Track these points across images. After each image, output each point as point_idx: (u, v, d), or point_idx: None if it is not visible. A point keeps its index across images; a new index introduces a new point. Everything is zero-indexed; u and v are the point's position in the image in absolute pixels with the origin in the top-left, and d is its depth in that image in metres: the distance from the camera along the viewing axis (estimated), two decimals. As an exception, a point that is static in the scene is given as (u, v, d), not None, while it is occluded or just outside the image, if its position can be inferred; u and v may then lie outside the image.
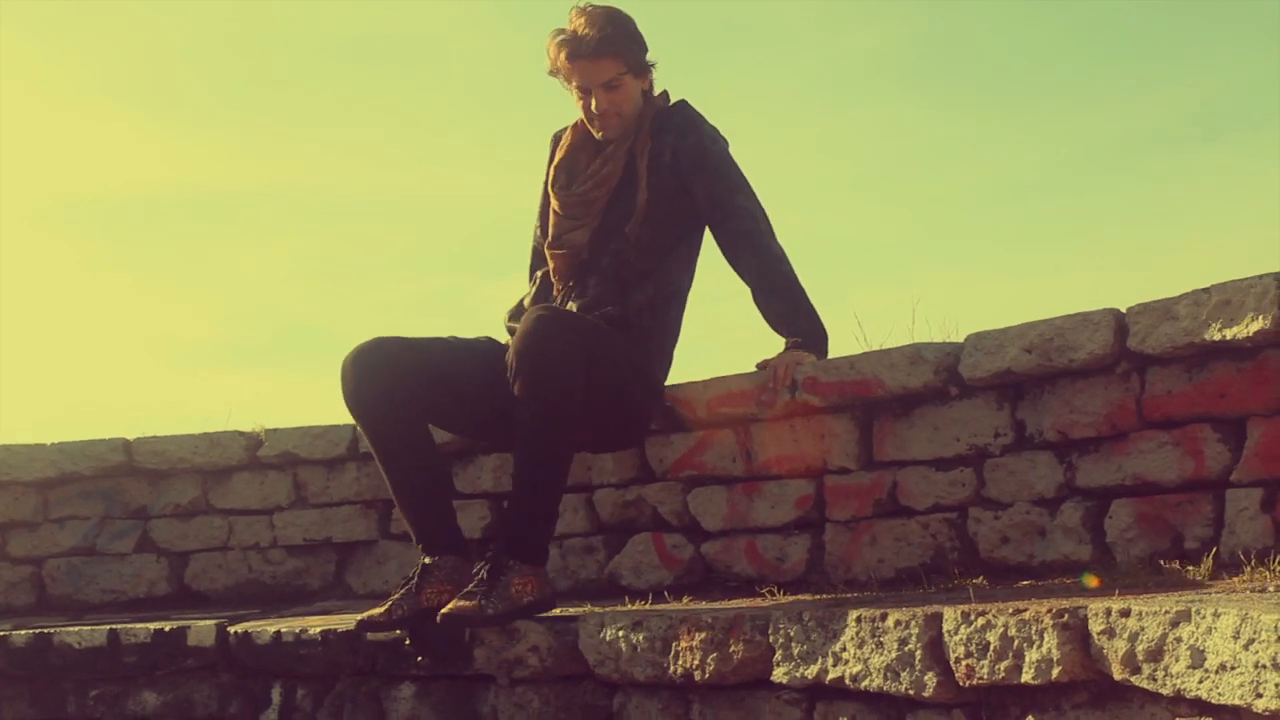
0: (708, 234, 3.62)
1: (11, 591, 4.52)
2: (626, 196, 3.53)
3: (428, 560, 3.31)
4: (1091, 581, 2.80)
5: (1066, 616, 2.23)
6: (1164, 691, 2.06)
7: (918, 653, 2.46)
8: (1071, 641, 2.23)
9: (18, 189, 12.92)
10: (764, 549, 3.47)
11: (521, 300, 3.73)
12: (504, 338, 3.60)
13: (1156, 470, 2.87)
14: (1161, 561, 2.71)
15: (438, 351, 3.46)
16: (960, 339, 3.19)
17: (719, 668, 2.79)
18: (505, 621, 3.12)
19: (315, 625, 3.52)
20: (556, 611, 3.23)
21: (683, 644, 2.85)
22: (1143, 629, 2.09)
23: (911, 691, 2.46)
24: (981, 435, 3.15)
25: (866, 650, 2.54)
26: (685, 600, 3.36)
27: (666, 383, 3.59)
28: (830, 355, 3.42)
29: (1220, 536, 2.77)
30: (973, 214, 14.62)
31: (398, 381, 3.35)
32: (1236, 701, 1.90)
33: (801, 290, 3.49)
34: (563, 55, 3.46)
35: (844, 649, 2.58)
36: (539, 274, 3.72)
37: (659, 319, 3.55)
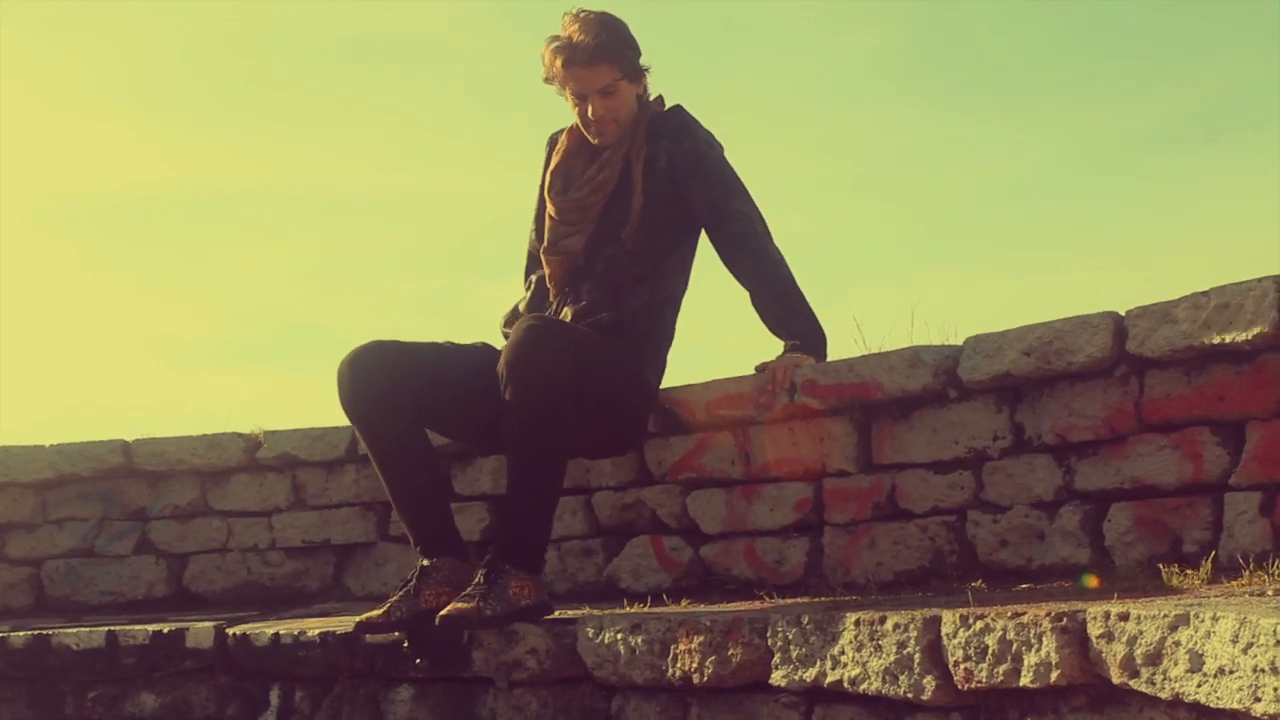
0: (703, 239, 3.62)
1: (10, 593, 4.52)
2: (622, 202, 3.53)
3: (426, 562, 3.31)
4: (1092, 582, 2.81)
5: (1065, 620, 2.23)
6: (1162, 695, 2.06)
7: (916, 656, 2.45)
8: (1070, 645, 2.23)
9: (17, 189, 12.93)
10: (763, 552, 3.47)
11: (517, 305, 3.74)
12: (500, 343, 3.60)
13: (1155, 473, 2.87)
14: (1160, 565, 2.71)
15: (433, 356, 3.46)
16: (959, 341, 3.19)
17: (717, 671, 2.78)
18: (503, 623, 3.12)
19: (314, 627, 3.52)
20: (555, 614, 3.23)
21: (681, 647, 2.85)
22: (1141, 633, 2.09)
23: (910, 695, 2.46)
24: (980, 438, 3.15)
25: (865, 653, 2.54)
26: (684, 603, 3.36)
27: (662, 386, 3.60)
28: (829, 358, 3.43)
29: (1219, 540, 2.77)
30: (972, 215, 14.63)
31: (394, 384, 3.35)
32: (1235, 705, 1.90)
33: (799, 293, 3.50)
34: (559, 62, 3.47)
35: (842, 652, 2.58)
36: (534, 278, 3.72)
37: (653, 324, 3.55)
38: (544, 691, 3.13)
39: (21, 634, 3.81)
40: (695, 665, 2.81)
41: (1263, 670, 1.84)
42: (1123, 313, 2.89)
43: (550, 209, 3.62)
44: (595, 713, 3.06)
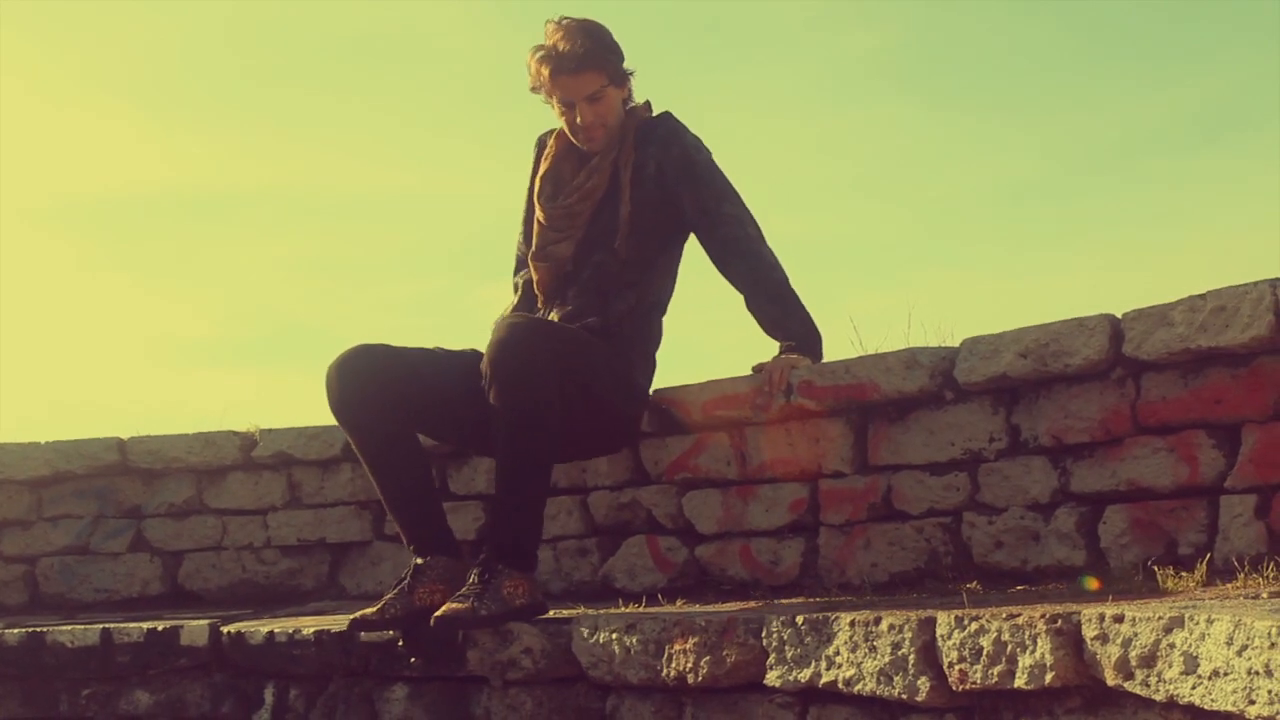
0: (693, 243, 3.62)
1: (4, 590, 4.51)
2: (610, 209, 3.54)
3: (419, 561, 3.31)
4: (1092, 584, 2.81)
5: (1060, 622, 2.23)
6: (1157, 697, 2.06)
7: (911, 657, 2.45)
8: (1065, 647, 2.23)
9: (16, 187, 12.93)
10: (758, 552, 3.47)
11: (505, 312, 3.74)
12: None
13: (1151, 476, 2.87)
14: (1155, 567, 2.71)
15: (422, 360, 3.47)
16: (956, 343, 3.19)
17: (712, 671, 2.78)
18: (499, 623, 3.12)
19: (309, 626, 3.52)
20: (550, 614, 3.23)
21: (676, 647, 2.84)
22: (1136, 635, 2.09)
23: (904, 696, 2.46)
24: (976, 440, 3.16)
25: (860, 654, 2.54)
26: (679, 603, 3.36)
27: (658, 386, 3.60)
28: (825, 359, 3.43)
29: (1214, 543, 2.77)
30: (970, 216, 14.65)
31: (382, 386, 3.36)
32: (1229, 708, 1.90)
33: (794, 294, 3.50)
34: (545, 71, 3.47)
35: (837, 653, 2.58)
36: (521, 281, 3.73)
37: (641, 327, 3.56)
38: (539, 691, 3.13)
39: (16, 631, 3.80)
40: (690, 665, 2.81)
41: (1257, 673, 1.84)
42: (1119, 315, 2.89)
43: (539, 214, 3.62)
44: (590, 712, 3.06)
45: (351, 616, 3.28)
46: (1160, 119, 13.80)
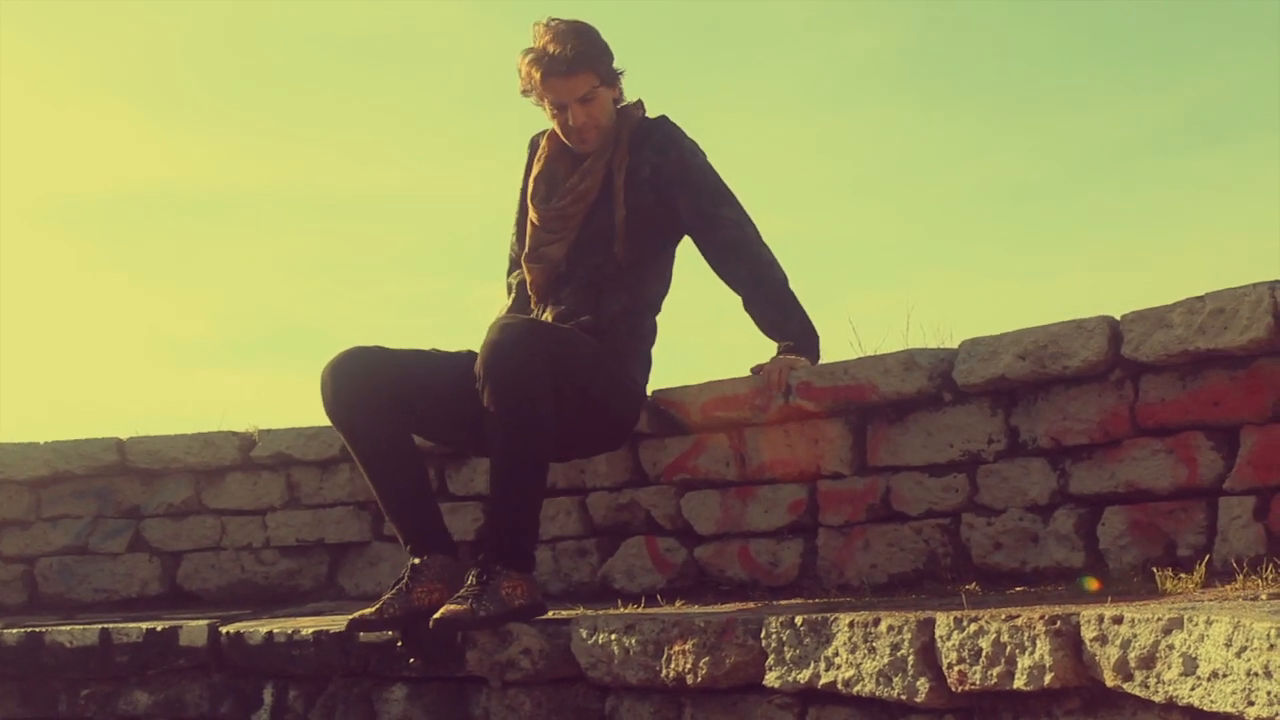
0: (687, 242, 3.62)
1: (3, 590, 4.51)
2: (603, 211, 3.54)
3: (416, 560, 3.31)
4: (1091, 585, 2.81)
5: (1059, 623, 2.24)
6: (1156, 699, 2.06)
7: (910, 658, 2.46)
8: (1064, 648, 2.23)
9: (14, 186, 12.92)
10: (757, 553, 3.48)
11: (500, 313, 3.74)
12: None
13: (1150, 478, 2.87)
14: (1154, 569, 2.71)
15: (417, 362, 3.48)
16: (955, 345, 3.19)
17: (711, 671, 2.79)
18: (498, 624, 3.12)
19: (308, 626, 3.52)
20: (549, 614, 3.23)
21: (675, 648, 2.85)
22: (1135, 636, 2.10)
23: (904, 697, 2.46)
24: (975, 441, 3.16)
25: (859, 655, 2.54)
26: (678, 604, 3.36)
27: (657, 387, 3.61)
28: (824, 360, 3.43)
29: (1213, 544, 2.77)
30: (969, 217, 14.65)
31: (375, 388, 3.36)
32: (1228, 709, 1.90)
33: (792, 295, 3.50)
34: (536, 74, 3.47)
35: (836, 654, 2.58)
36: (516, 283, 3.73)
37: (635, 326, 3.56)
38: (537, 691, 3.13)
39: (15, 631, 3.80)
40: (689, 666, 2.82)
41: (1256, 674, 1.85)
42: (1118, 317, 2.90)
43: (532, 216, 3.62)
44: (589, 713, 3.06)
45: (350, 617, 3.28)
46: (1160, 119, 13.82)
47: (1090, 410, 2.96)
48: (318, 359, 3.42)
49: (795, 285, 3.52)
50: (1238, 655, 1.88)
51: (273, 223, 14.47)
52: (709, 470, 3.56)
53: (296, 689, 3.51)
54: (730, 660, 2.76)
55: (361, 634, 3.32)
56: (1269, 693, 1.82)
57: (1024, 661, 2.28)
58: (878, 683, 2.50)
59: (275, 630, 3.53)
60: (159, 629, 3.70)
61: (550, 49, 3.44)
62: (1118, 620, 2.14)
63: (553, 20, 3.49)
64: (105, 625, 3.77)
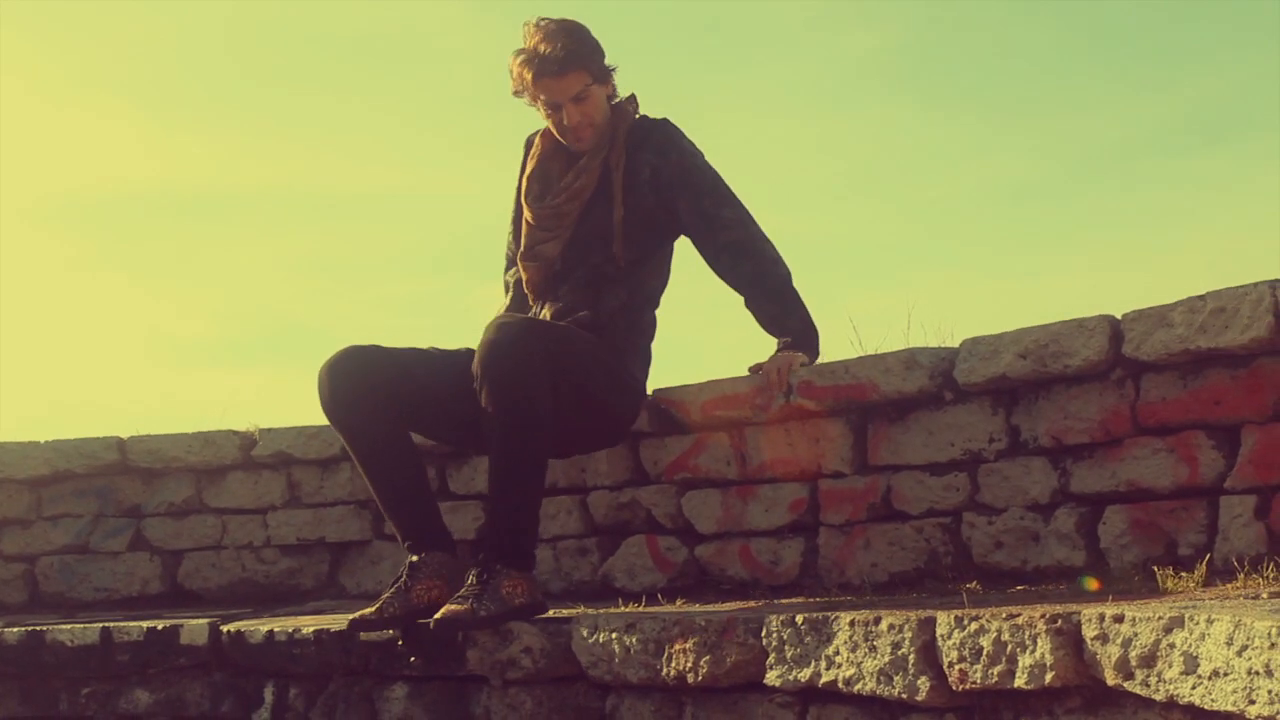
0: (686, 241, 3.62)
1: (4, 589, 4.51)
2: (600, 209, 3.53)
3: (415, 558, 3.31)
4: (1091, 584, 2.81)
5: (1060, 622, 2.24)
6: (1157, 697, 2.06)
7: (911, 657, 2.46)
8: (1065, 647, 2.23)
9: (15, 186, 12.92)
10: (758, 552, 3.48)
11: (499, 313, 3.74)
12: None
13: (1150, 477, 2.87)
14: (1155, 568, 2.71)
15: (415, 360, 3.48)
16: (955, 344, 3.20)
17: (712, 670, 2.79)
18: (498, 623, 3.12)
19: (308, 625, 3.52)
20: (549, 613, 3.23)
21: (676, 646, 2.85)
22: (1136, 635, 2.10)
23: (904, 695, 2.46)
24: (976, 440, 3.16)
25: (860, 654, 2.54)
26: (679, 603, 3.36)
27: (658, 387, 3.61)
28: (824, 359, 3.43)
29: (1214, 543, 2.77)
30: (969, 217, 14.64)
31: (372, 387, 3.36)
32: (1229, 708, 1.90)
33: (794, 291, 3.50)
34: (528, 75, 3.46)
35: (837, 652, 2.58)
36: (513, 281, 3.73)
37: (634, 322, 3.56)
38: (538, 690, 3.13)
39: (15, 630, 3.80)
40: (690, 665, 2.82)
41: (1257, 673, 1.85)
42: (1119, 316, 2.90)
43: (527, 214, 3.62)
44: (589, 712, 3.06)
45: (351, 616, 3.29)
46: (1160, 120, 13.81)
47: (1091, 409, 2.96)
48: (318, 359, 3.42)
49: (796, 284, 3.52)
50: (1239, 654, 1.88)
51: (272, 223, 14.47)
52: (710, 469, 3.56)
53: (297, 688, 3.51)
54: (731, 659, 2.76)
55: (362, 633, 3.32)
56: (1270, 691, 1.82)
57: (1025, 660, 2.28)
58: (878, 681, 2.50)
59: (276, 629, 3.53)
60: (160, 628, 3.70)
61: (541, 49, 3.44)
62: (1119, 619, 2.14)
63: (542, 20, 3.49)
64: (106, 624, 3.77)
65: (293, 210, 14.56)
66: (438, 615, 3.10)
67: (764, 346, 3.49)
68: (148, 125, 14.20)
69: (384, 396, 3.37)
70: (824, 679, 2.60)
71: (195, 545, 4.43)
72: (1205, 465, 2.80)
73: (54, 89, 13.47)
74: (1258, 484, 2.72)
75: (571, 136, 3.54)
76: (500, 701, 3.17)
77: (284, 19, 13.58)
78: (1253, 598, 2.29)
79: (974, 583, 3.07)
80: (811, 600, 3.17)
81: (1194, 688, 1.98)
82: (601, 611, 3.21)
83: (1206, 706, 1.96)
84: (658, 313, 3.67)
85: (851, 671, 2.55)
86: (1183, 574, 2.63)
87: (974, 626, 2.36)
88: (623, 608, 3.32)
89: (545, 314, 3.56)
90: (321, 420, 3.49)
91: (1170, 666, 2.03)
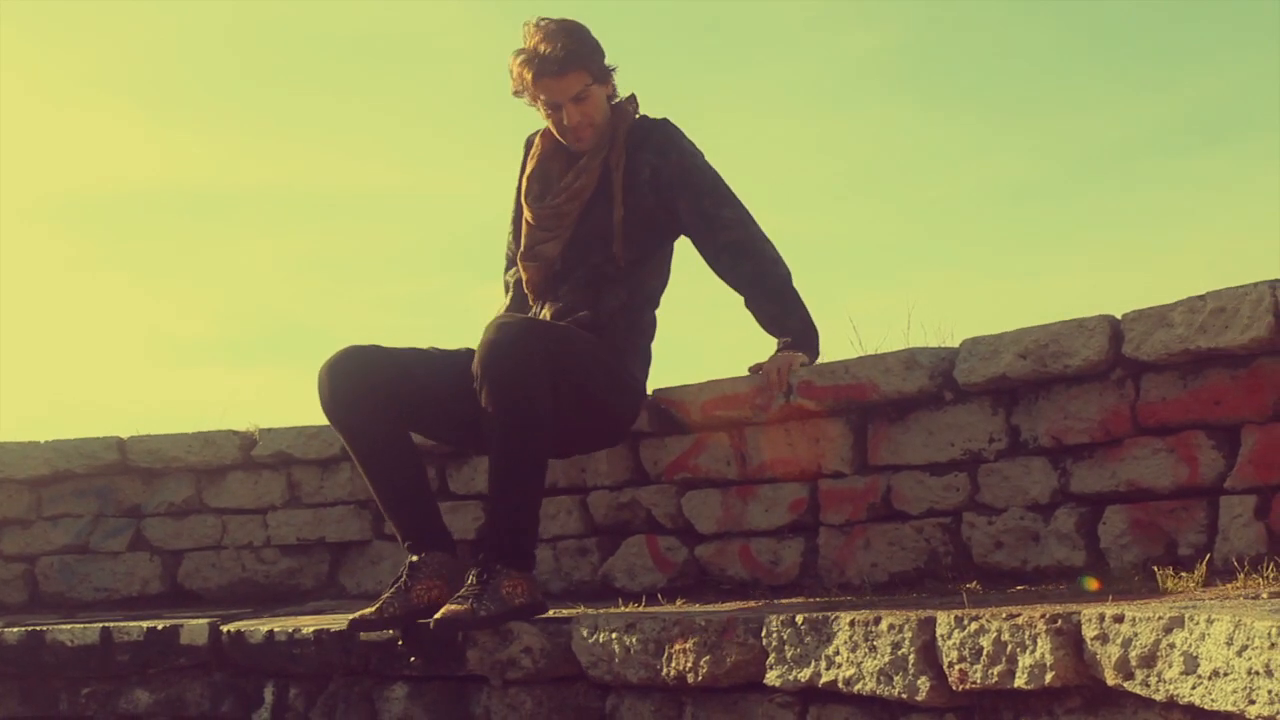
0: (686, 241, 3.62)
1: (4, 589, 4.51)
2: (600, 209, 3.53)
3: (414, 558, 3.31)
4: (1092, 584, 2.81)
5: (1060, 622, 2.24)
6: (1157, 697, 2.06)
7: (911, 657, 2.46)
8: (1065, 647, 2.23)
9: (14, 185, 12.92)
10: (758, 552, 3.48)
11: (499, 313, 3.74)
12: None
13: (1151, 477, 2.87)
14: (1155, 568, 2.72)
15: (414, 360, 3.48)
16: (955, 344, 3.20)
17: (712, 670, 2.79)
18: (498, 623, 3.12)
19: (308, 625, 3.52)
20: (549, 613, 3.23)
21: (676, 646, 2.85)
22: (1136, 635, 2.10)
23: (904, 695, 2.47)
24: (976, 440, 3.16)
25: (860, 654, 2.54)
26: (679, 603, 3.36)
27: (658, 387, 3.61)
28: (824, 359, 3.43)
29: (1214, 543, 2.77)
30: (969, 217, 14.64)
31: (372, 387, 3.36)
32: (1229, 708, 1.90)
33: (794, 291, 3.50)
34: (528, 75, 3.46)
35: (837, 652, 2.58)
36: (513, 280, 3.73)
37: (634, 321, 3.56)
38: (538, 690, 3.13)
39: (15, 630, 3.80)
40: (690, 665, 2.82)
41: (1257, 673, 1.85)
42: (1119, 316, 2.90)
43: (527, 214, 3.62)
44: (589, 712, 3.06)
45: (351, 616, 3.29)
46: (1160, 119, 13.81)
47: (1091, 409, 2.96)
48: (318, 359, 3.42)
49: (796, 284, 3.52)
50: (1239, 654, 1.88)
51: (272, 222, 14.47)
52: (710, 469, 3.56)
53: (297, 688, 3.51)
54: (731, 659, 2.76)
55: (362, 633, 3.32)
56: (1270, 691, 1.82)
57: (1025, 660, 2.28)
58: (878, 681, 2.50)
59: (276, 629, 3.53)
60: (160, 628, 3.70)
61: (541, 49, 3.44)
62: (1119, 619, 2.14)
63: (542, 20, 3.49)
64: (106, 624, 3.77)
65: (293, 210, 14.57)
66: (438, 615, 3.10)
67: (764, 346, 3.50)
68: (148, 124, 14.21)
69: (384, 396, 3.37)
70: (824, 679, 2.60)
71: (195, 545, 4.43)
72: (1205, 465, 2.80)
73: (54, 88, 13.48)
74: (1258, 484, 2.72)
75: (572, 136, 3.54)
76: (500, 701, 3.17)
77: (284, 19, 13.58)
78: (1253, 598, 2.29)
79: (974, 583, 3.07)
80: (811, 600, 3.17)
81: (1194, 688, 1.98)
82: (601, 611, 3.21)
83: (1206, 706, 1.96)
84: (658, 313, 3.67)
85: (851, 671, 2.55)
86: (1183, 574, 2.63)
87: (974, 626, 2.36)
88: (623, 608, 3.32)
89: (545, 314, 3.56)
90: (321, 420, 3.49)
91: (1170, 666, 2.03)
